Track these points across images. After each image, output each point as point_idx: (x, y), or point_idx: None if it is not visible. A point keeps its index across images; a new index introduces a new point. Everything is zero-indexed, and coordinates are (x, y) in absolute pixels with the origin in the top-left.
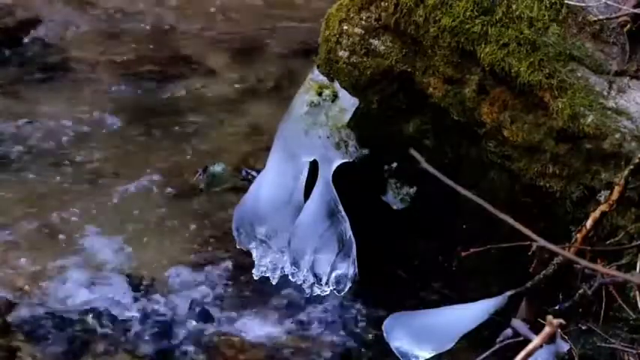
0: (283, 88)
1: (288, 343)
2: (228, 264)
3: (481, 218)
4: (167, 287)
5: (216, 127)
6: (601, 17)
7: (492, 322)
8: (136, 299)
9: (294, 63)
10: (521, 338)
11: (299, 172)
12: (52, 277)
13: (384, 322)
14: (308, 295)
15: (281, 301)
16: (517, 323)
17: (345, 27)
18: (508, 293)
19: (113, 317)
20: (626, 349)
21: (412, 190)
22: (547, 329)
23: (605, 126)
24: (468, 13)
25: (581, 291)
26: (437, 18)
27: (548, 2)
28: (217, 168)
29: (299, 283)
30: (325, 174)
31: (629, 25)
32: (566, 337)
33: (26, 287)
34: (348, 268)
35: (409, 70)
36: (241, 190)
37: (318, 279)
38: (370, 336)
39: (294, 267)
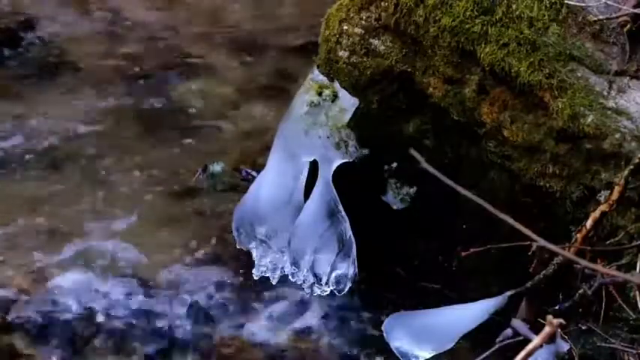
0: (283, 88)
1: (288, 344)
2: (228, 264)
3: (481, 218)
4: (167, 287)
5: (217, 127)
6: (601, 17)
7: (492, 322)
8: (135, 299)
9: (294, 63)
10: (521, 338)
11: (299, 172)
12: (52, 277)
13: (384, 322)
14: (308, 295)
15: (281, 301)
16: (517, 323)
17: (345, 27)
18: (508, 293)
19: (113, 317)
20: (626, 349)
21: (412, 190)
22: (547, 329)
23: (605, 126)
24: (468, 13)
25: (581, 291)
26: (437, 18)
27: (548, 2)
28: (217, 167)
29: (299, 283)
30: (325, 174)
31: (629, 25)
32: (566, 337)
33: (26, 287)
34: (348, 268)
35: (409, 70)
36: (241, 190)
37: (318, 279)
38: (370, 336)
39: (294, 267)
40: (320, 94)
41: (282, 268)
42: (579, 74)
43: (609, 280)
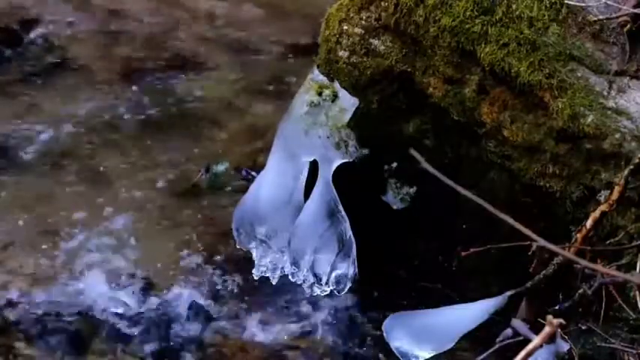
0: (283, 88)
1: (288, 343)
2: (229, 264)
3: (481, 218)
4: (167, 287)
5: (217, 127)
6: (601, 17)
7: (492, 322)
8: (136, 299)
9: (294, 63)
10: (521, 338)
11: (299, 172)
12: (52, 277)
13: (384, 322)
14: (308, 295)
15: (281, 301)
16: (517, 323)
17: (345, 27)
18: (508, 293)
19: (113, 317)
20: (626, 349)
21: (412, 190)
22: (547, 329)
23: (605, 126)
24: (468, 13)
25: (581, 291)
26: (437, 18)
27: (548, 2)
28: (220, 167)
29: (299, 283)
30: (325, 174)
31: (629, 25)
32: (566, 337)
33: (26, 287)
34: (348, 268)
35: (409, 70)
36: (241, 190)
37: (318, 279)
38: (370, 336)
39: (294, 267)
40: (320, 94)
41: (282, 268)
42: (579, 74)
43: (609, 280)
